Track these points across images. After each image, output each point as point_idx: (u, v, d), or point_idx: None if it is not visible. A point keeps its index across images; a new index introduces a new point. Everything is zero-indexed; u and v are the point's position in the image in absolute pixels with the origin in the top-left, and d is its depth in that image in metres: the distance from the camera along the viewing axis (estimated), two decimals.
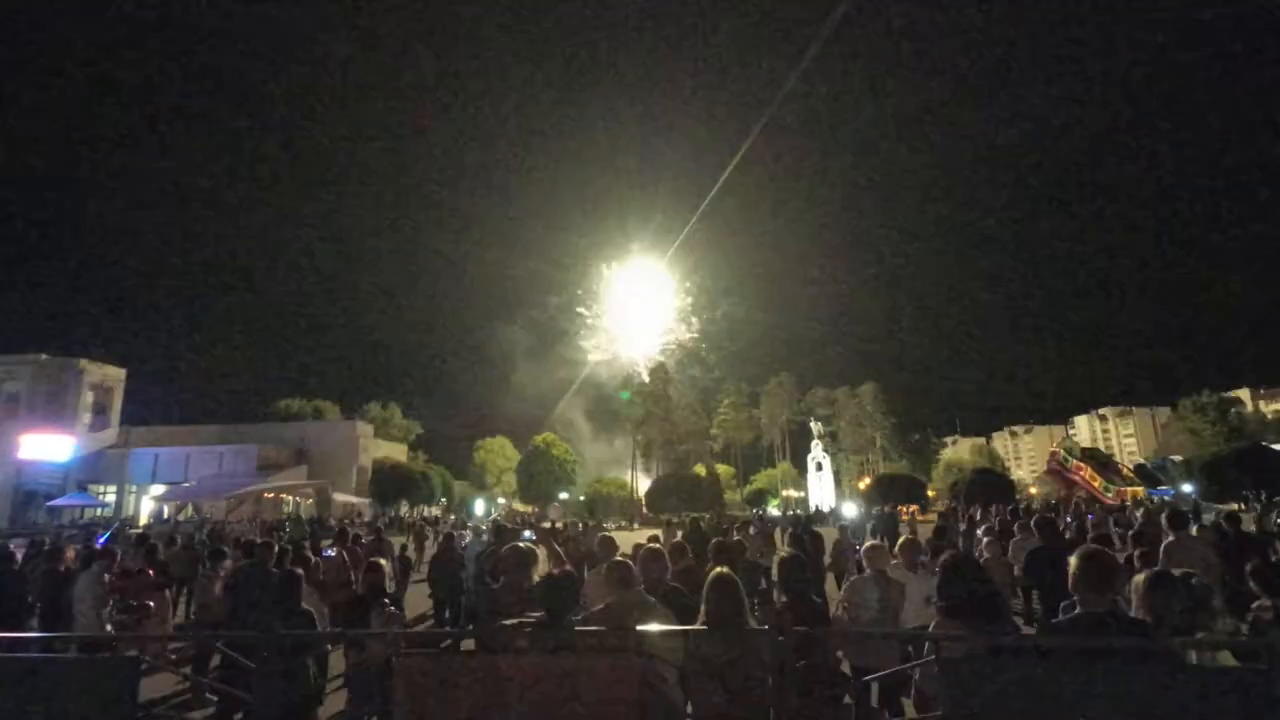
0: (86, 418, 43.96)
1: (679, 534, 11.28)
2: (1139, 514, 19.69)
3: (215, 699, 5.28)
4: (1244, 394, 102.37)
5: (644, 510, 50.85)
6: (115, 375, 47.02)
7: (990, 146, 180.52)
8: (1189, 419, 72.26)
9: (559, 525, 19.30)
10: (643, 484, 61.14)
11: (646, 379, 68.74)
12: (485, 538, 11.90)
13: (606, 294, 71.88)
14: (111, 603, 6.08)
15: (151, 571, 7.37)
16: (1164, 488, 44.79)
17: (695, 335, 71.13)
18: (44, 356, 42.91)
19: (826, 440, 64.78)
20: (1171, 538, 6.83)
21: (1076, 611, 2.90)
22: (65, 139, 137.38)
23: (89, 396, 44.78)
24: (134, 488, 43.64)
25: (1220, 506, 31.12)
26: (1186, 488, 44.28)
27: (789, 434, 71.34)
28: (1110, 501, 36.19)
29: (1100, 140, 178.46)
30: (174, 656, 7.51)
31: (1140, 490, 40.10)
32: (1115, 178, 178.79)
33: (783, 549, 8.20)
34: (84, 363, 44.67)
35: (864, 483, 63.08)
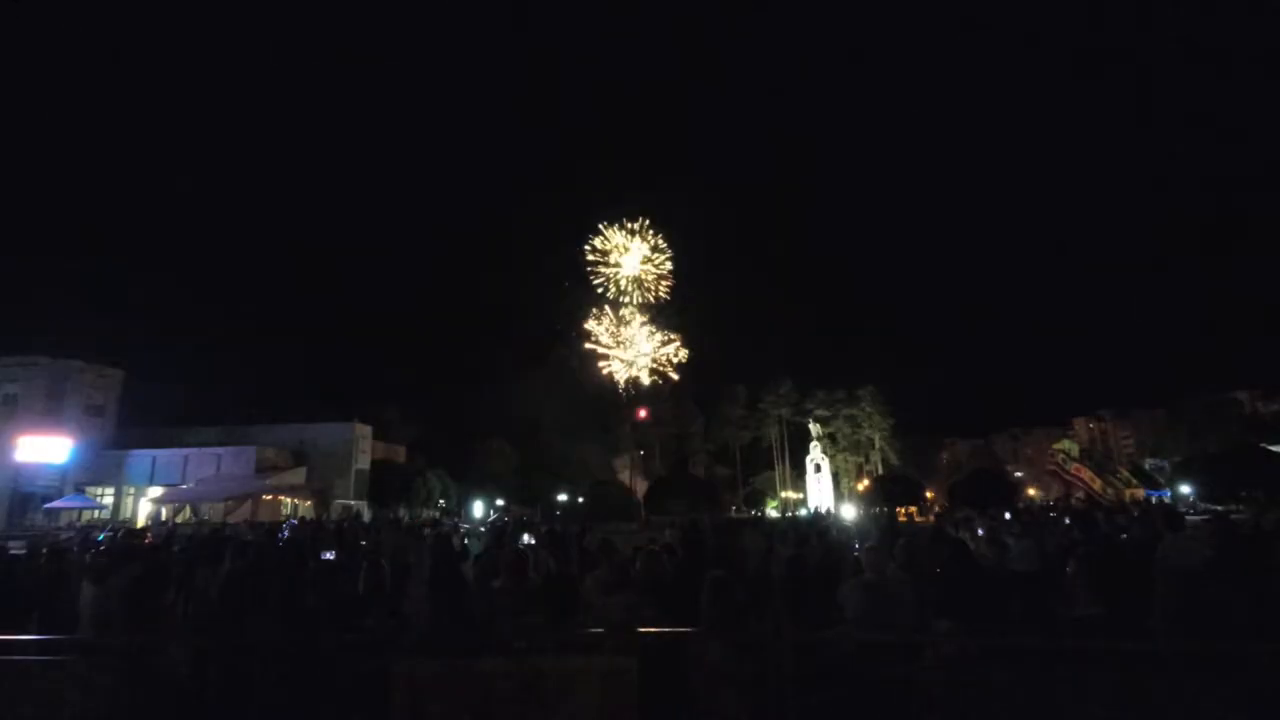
0: (84, 419, 43.88)
1: (667, 534, 11.13)
2: (1135, 514, 19.65)
3: (217, 702, 5.26)
4: (1242, 395, 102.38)
5: (643, 512, 50.85)
6: (113, 376, 46.94)
7: (991, 140, 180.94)
8: (1187, 420, 72.45)
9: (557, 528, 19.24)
10: (640, 486, 61.12)
11: (645, 380, 68.88)
12: (484, 539, 11.90)
13: (605, 300, 72.04)
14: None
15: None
16: (1162, 489, 44.86)
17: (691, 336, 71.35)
18: (43, 359, 42.82)
19: (825, 441, 64.81)
20: (1168, 537, 6.85)
21: (1075, 612, 2.92)
22: (68, 136, 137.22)
23: (87, 398, 44.71)
24: (131, 489, 43.50)
25: (1217, 507, 31.17)
26: (1184, 488, 44.37)
27: (787, 435, 71.27)
28: (1108, 502, 36.24)
29: (1103, 135, 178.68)
30: (175, 659, 7.47)
31: (1140, 491, 40.16)
32: (1115, 169, 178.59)
33: (783, 551, 8.20)
34: (82, 364, 44.57)
35: (863, 484, 63.17)
